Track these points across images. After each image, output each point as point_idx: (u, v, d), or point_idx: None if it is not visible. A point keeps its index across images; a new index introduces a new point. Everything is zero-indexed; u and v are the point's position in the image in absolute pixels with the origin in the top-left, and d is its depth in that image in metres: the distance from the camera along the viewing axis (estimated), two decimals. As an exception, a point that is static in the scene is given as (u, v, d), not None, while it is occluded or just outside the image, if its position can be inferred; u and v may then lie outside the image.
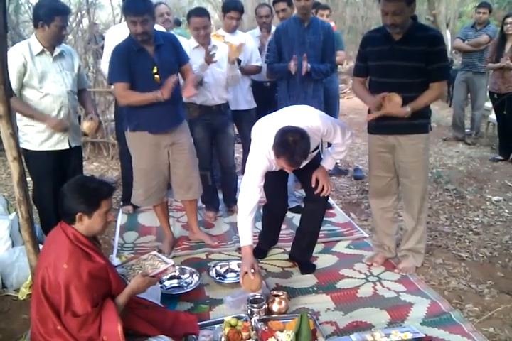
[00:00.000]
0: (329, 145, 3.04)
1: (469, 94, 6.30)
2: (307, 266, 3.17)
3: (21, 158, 2.54)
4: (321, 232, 3.25)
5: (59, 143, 3.10)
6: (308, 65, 3.64)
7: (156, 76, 3.02)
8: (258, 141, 2.76)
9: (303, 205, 3.25)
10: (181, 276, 3.02)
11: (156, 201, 3.36)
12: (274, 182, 2.99)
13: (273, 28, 4.44)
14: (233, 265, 3.16)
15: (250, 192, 2.74)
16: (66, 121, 3.07)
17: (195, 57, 3.47)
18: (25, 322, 2.57)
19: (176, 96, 3.11)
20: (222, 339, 2.36)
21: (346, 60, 6.64)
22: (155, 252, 2.56)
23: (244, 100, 4.19)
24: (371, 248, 3.39)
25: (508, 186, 4.67)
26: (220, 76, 3.62)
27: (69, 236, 2.04)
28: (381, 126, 2.90)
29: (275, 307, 2.64)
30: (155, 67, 3.01)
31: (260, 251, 3.29)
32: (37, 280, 2.05)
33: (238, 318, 2.50)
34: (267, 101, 4.31)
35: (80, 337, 1.97)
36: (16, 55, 2.89)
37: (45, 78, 2.98)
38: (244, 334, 2.37)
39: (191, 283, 2.96)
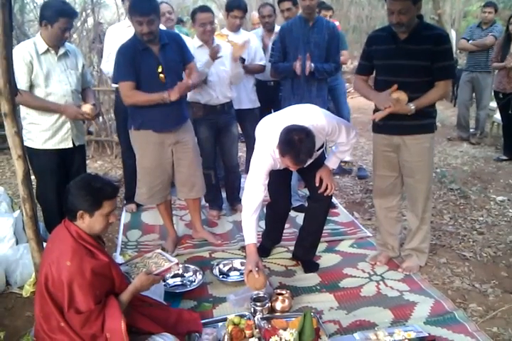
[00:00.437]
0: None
1: (474, 94, 6.28)
2: (310, 265, 3.17)
3: (26, 156, 2.55)
4: (324, 231, 3.25)
5: (62, 141, 3.11)
6: (312, 65, 3.64)
7: (161, 75, 3.03)
8: (263, 140, 2.75)
9: (306, 204, 3.25)
10: (185, 274, 3.03)
11: (159, 199, 3.36)
12: (277, 181, 2.99)
13: (277, 28, 4.45)
14: (236, 263, 3.17)
15: (255, 190, 2.74)
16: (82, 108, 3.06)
17: (199, 56, 3.47)
18: (29, 320, 2.59)
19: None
20: (226, 337, 2.36)
21: (350, 59, 6.64)
22: (159, 250, 2.57)
23: (248, 99, 4.19)
24: (375, 247, 3.39)
25: (513, 186, 4.66)
26: (224, 74, 3.63)
27: (72, 234, 2.05)
28: (386, 125, 2.90)
29: (278, 305, 2.64)
30: (160, 67, 3.02)
31: (264, 249, 3.29)
32: (40, 277, 2.06)
33: (241, 316, 2.50)
34: (270, 100, 4.32)
35: (84, 334, 1.98)
36: (23, 53, 2.91)
37: (50, 77, 2.99)
38: (248, 332, 2.37)
39: (194, 282, 2.96)
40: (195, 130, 3.68)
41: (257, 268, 2.64)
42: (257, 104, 4.26)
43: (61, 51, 3.05)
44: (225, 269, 3.14)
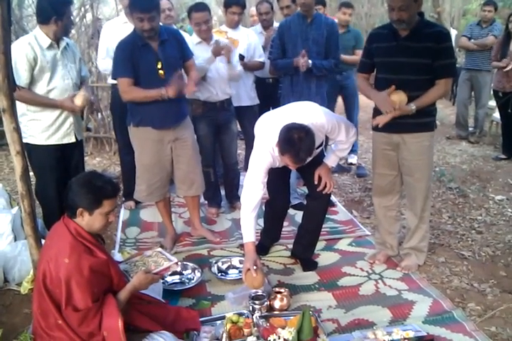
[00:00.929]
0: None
1: (473, 93, 6.28)
2: (309, 263, 3.17)
3: (24, 152, 2.54)
4: (323, 230, 3.25)
5: (65, 136, 3.11)
6: (309, 61, 3.62)
7: (161, 71, 3.02)
8: (262, 137, 2.74)
9: (305, 202, 3.24)
10: (183, 272, 3.02)
11: (158, 197, 3.35)
12: (276, 178, 2.98)
13: (275, 24, 4.44)
14: (235, 261, 3.16)
15: (254, 188, 2.73)
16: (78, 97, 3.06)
17: (198, 53, 3.46)
18: (27, 317, 2.58)
19: (181, 92, 3.09)
20: (224, 335, 2.36)
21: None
22: (159, 249, 2.56)
23: (247, 96, 4.18)
24: (373, 246, 3.39)
25: (511, 185, 4.65)
26: (224, 71, 3.61)
27: (71, 231, 2.04)
28: (386, 124, 2.89)
29: (277, 304, 2.64)
30: (159, 63, 3.00)
31: (262, 247, 3.29)
32: (38, 274, 2.05)
33: (240, 315, 2.50)
34: (269, 97, 4.30)
35: (81, 332, 1.97)
36: (26, 50, 2.88)
37: (55, 71, 2.99)
38: (246, 330, 2.37)
39: (193, 279, 2.96)
40: (195, 127, 3.67)
41: (255, 267, 2.63)
42: (257, 101, 4.25)
43: (62, 44, 3.04)
44: (224, 267, 3.13)
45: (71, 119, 3.11)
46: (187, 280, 2.97)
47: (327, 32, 3.71)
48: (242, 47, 3.96)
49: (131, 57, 2.96)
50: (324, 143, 2.97)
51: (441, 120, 7.04)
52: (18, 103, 2.84)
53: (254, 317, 2.50)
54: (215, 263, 3.13)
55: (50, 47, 2.97)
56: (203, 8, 3.49)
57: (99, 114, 5.91)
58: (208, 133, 3.73)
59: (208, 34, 3.56)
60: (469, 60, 6.05)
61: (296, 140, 2.46)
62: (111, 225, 3.65)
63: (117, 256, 3.01)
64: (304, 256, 3.20)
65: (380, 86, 2.86)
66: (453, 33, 8.09)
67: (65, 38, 3.11)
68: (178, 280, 2.98)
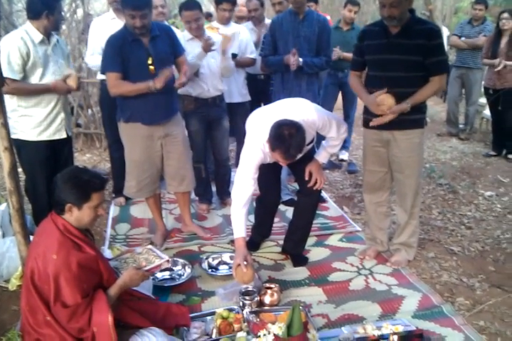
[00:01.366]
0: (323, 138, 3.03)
1: (463, 90, 6.31)
2: (299, 259, 3.17)
3: (13, 148, 2.51)
4: (313, 225, 3.26)
5: (57, 132, 3.11)
6: (300, 59, 3.61)
7: (151, 67, 3.00)
8: (253, 134, 2.74)
9: (296, 198, 3.25)
10: (173, 268, 3.01)
11: (148, 193, 3.34)
12: (267, 174, 2.98)
13: (267, 21, 4.43)
14: (225, 257, 3.16)
15: (244, 184, 2.73)
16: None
17: (190, 49, 3.44)
18: (15, 313, 2.57)
19: (170, 87, 3.08)
20: (214, 331, 2.36)
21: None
22: (150, 246, 2.55)
23: (238, 93, 4.17)
24: (364, 241, 3.40)
25: (501, 181, 4.68)
26: (216, 67, 3.61)
27: (59, 227, 2.03)
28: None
29: (267, 299, 2.65)
30: (150, 58, 2.99)
31: (253, 243, 3.29)
32: (26, 271, 2.04)
33: (230, 310, 2.51)
34: (260, 94, 4.31)
35: (70, 328, 1.96)
36: (19, 43, 2.86)
37: (47, 67, 2.98)
38: (236, 326, 2.38)
39: (183, 275, 2.96)
40: (186, 123, 3.66)
41: (245, 262, 2.63)
42: (248, 98, 4.25)
43: (53, 40, 3.03)
44: (214, 263, 3.13)
45: (62, 115, 3.11)
46: (177, 276, 2.97)
47: (319, 29, 3.71)
48: (233, 43, 3.95)
49: (121, 52, 2.94)
50: (315, 140, 2.97)
51: (431, 117, 7.08)
52: (8, 98, 2.84)
53: (244, 312, 2.51)
54: (206, 259, 3.13)
55: (42, 42, 2.96)
56: (194, 6, 3.44)
57: (90, 110, 5.87)
58: (200, 129, 3.72)
59: (199, 32, 3.53)
60: (460, 57, 6.07)
61: (286, 136, 2.46)
62: (101, 221, 3.68)
63: (107, 253, 2.99)
64: (295, 251, 3.21)
65: (371, 83, 2.87)
66: (444, 30, 8.11)
67: (54, 34, 3.10)
68: (169, 276, 2.97)
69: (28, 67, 2.90)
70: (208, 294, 2.80)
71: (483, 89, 5.84)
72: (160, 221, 3.51)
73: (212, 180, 4.14)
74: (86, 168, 2.27)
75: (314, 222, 3.24)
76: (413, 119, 2.85)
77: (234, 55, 3.93)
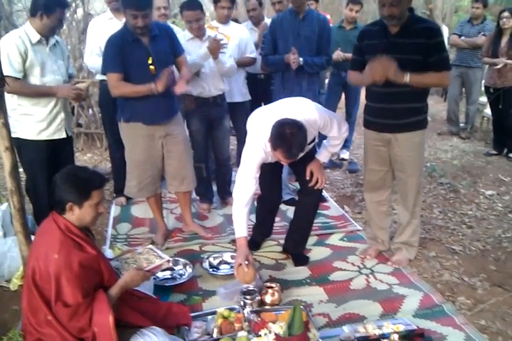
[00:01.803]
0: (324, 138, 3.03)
1: (464, 89, 6.30)
2: (300, 258, 3.17)
3: (13, 148, 2.52)
4: (314, 225, 3.26)
5: (56, 132, 3.11)
6: (300, 59, 3.61)
7: (151, 67, 3.00)
8: (254, 133, 2.74)
9: (297, 198, 3.25)
10: (174, 268, 3.02)
11: (149, 193, 3.34)
12: (268, 174, 2.98)
13: (267, 20, 4.42)
14: (226, 257, 3.16)
15: (246, 183, 2.73)
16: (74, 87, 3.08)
17: (191, 49, 3.44)
18: (17, 313, 2.57)
19: (171, 88, 3.08)
20: (215, 330, 2.36)
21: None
22: (150, 246, 2.55)
23: (239, 92, 4.17)
24: (365, 241, 3.40)
25: (502, 180, 4.68)
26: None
27: (60, 227, 2.03)
28: (377, 124, 2.90)
29: (268, 298, 2.64)
30: (150, 58, 2.99)
31: (254, 243, 3.28)
32: (28, 270, 2.04)
33: (231, 310, 2.51)
34: (261, 93, 4.30)
35: (71, 328, 1.96)
36: (17, 42, 2.87)
37: (45, 67, 2.98)
38: (237, 325, 2.38)
39: (184, 275, 2.96)
40: (187, 122, 3.66)
41: (246, 262, 2.63)
42: (248, 97, 4.24)
43: (52, 41, 3.04)
44: (215, 262, 3.13)
45: (62, 115, 3.11)
46: (178, 276, 2.97)
47: (319, 28, 3.70)
48: (233, 42, 3.94)
49: (121, 52, 2.94)
50: (316, 139, 2.97)
51: (432, 116, 7.06)
52: (8, 97, 2.85)
53: (245, 312, 2.51)
54: (207, 258, 3.13)
55: (39, 42, 2.97)
56: (195, 6, 3.43)
57: (90, 110, 5.87)
58: (201, 129, 3.72)
59: (200, 32, 3.52)
60: (460, 56, 6.06)
61: (288, 135, 2.45)
62: (102, 221, 3.69)
63: (108, 252, 3.00)
64: (296, 251, 3.21)
65: (373, 84, 2.86)
66: (445, 29, 8.10)
67: (53, 35, 3.10)
68: (170, 276, 2.97)
69: (27, 65, 2.91)
70: (208, 293, 2.80)
71: (483, 88, 5.83)
72: (161, 220, 3.51)
73: (213, 179, 4.14)
74: (83, 166, 2.27)
75: (315, 221, 3.24)
76: (416, 121, 2.85)
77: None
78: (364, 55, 2.89)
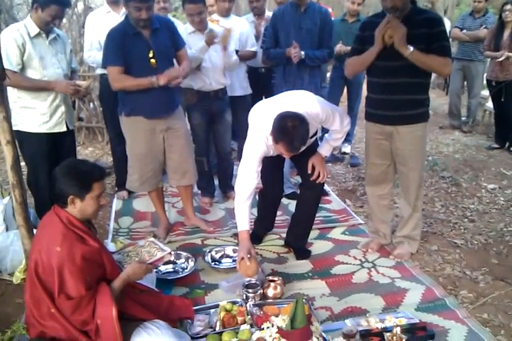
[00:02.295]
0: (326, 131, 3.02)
1: (466, 82, 6.28)
2: (302, 252, 3.18)
3: (15, 141, 2.51)
4: (316, 219, 3.26)
5: (57, 125, 3.12)
6: (302, 52, 3.59)
7: (152, 60, 2.99)
8: (256, 126, 2.73)
9: (298, 192, 3.24)
10: (176, 261, 3.02)
11: (151, 186, 3.34)
12: (270, 168, 2.98)
13: (268, 13, 4.39)
14: (228, 250, 3.16)
15: (248, 177, 2.72)
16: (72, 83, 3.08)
17: (192, 42, 3.43)
18: (20, 306, 2.57)
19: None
20: (217, 323, 2.37)
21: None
22: (152, 239, 2.55)
23: (240, 86, 4.15)
24: (366, 234, 3.40)
25: (504, 174, 4.68)
26: (218, 60, 3.58)
27: (62, 220, 2.03)
28: (379, 115, 2.89)
29: (270, 292, 2.65)
30: (151, 51, 2.97)
31: (256, 236, 3.29)
32: (30, 264, 2.04)
33: (233, 303, 2.51)
34: (262, 87, 4.28)
35: (74, 320, 1.96)
36: (15, 35, 2.88)
37: (44, 60, 2.98)
38: (240, 318, 2.38)
39: (186, 268, 2.96)
40: (189, 116, 3.65)
41: (249, 255, 2.64)
42: (249, 91, 4.23)
43: (51, 35, 3.04)
44: (217, 256, 3.13)
45: (62, 108, 3.11)
46: (180, 270, 2.97)
47: (320, 21, 3.68)
48: (234, 36, 3.91)
49: (122, 45, 2.93)
50: (319, 133, 2.96)
51: (434, 109, 7.04)
52: (9, 90, 2.85)
53: (247, 305, 2.51)
54: (209, 252, 3.13)
55: (38, 35, 2.97)
56: (197, 0, 3.40)
57: (91, 104, 5.86)
58: (202, 123, 3.71)
59: (201, 25, 3.50)
60: (462, 50, 6.03)
61: (290, 128, 2.44)
62: (103, 215, 3.69)
63: (110, 246, 3.00)
64: (298, 244, 3.21)
65: (373, 73, 2.86)
66: (447, 23, 8.06)
67: (55, 29, 3.09)
68: (172, 270, 2.97)
69: (25, 58, 2.91)
70: (211, 287, 2.81)
71: (485, 82, 5.81)
72: (163, 214, 3.51)
73: (214, 173, 4.13)
74: (83, 159, 2.27)
75: (317, 215, 3.24)
76: (417, 114, 2.84)
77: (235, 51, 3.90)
78: (365, 45, 2.86)
